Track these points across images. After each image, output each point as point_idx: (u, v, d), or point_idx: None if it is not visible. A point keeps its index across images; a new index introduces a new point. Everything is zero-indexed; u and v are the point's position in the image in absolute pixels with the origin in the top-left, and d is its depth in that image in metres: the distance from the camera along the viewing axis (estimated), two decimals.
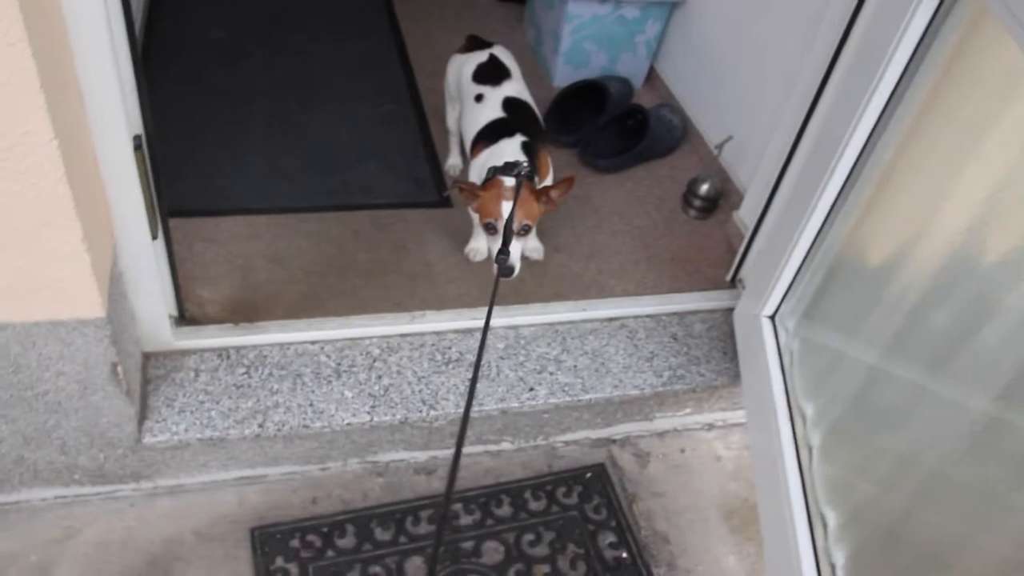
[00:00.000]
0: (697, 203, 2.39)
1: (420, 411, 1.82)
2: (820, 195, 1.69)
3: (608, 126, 2.57)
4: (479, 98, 2.10)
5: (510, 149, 1.95)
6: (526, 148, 1.96)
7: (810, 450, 1.60)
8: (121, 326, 1.61)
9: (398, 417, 1.81)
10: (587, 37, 2.72)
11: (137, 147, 1.48)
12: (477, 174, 1.99)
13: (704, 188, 2.38)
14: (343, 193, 2.29)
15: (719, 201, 2.42)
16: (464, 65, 2.19)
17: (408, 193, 2.31)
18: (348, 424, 1.78)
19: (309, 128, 2.51)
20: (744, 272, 2.17)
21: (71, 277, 1.40)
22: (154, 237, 1.63)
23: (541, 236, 2.23)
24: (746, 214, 2.27)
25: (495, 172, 1.89)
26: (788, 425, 1.68)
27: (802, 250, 1.79)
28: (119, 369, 1.57)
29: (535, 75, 2.89)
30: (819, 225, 1.74)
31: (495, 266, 1.81)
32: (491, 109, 2.06)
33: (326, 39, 2.94)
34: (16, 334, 1.46)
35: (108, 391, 1.60)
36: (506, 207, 1.81)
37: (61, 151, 1.24)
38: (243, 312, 1.93)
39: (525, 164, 1.90)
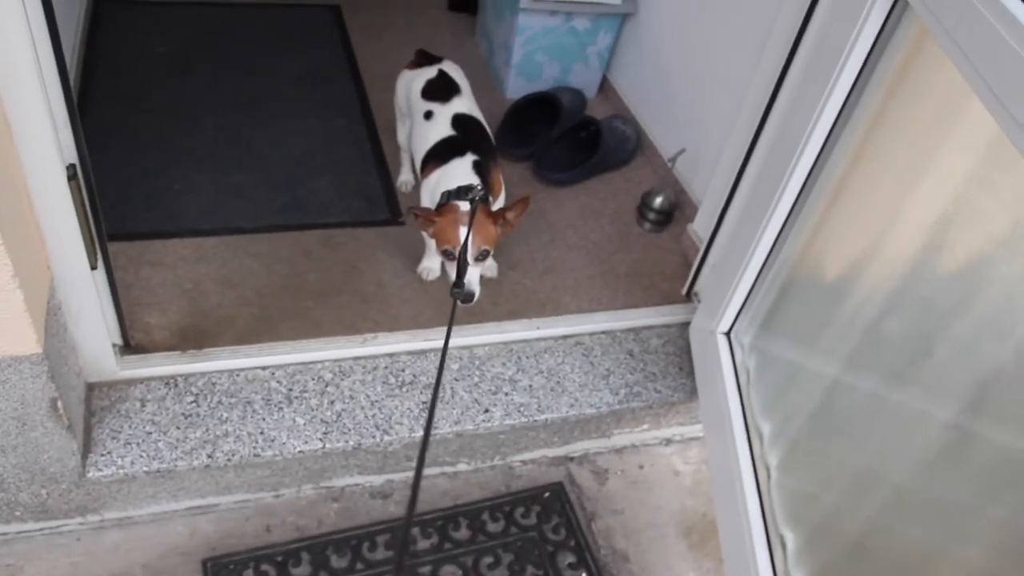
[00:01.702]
0: (652, 216, 2.39)
1: (374, 436, 1.79)
2: (773, 210, 1.68)
3: (561, 139, 2.55)
4: (428, 115, 2.07)
5: (461, 170, 1.92)
6: (477, 168, 1.93)
7: (768, 470, 1.60)
8: (61, 359, 1.56)
9: (351, 443, 1.78)
10: (538, 49, 2.71)
11: (71, 177, 1.43)
12: (429, 195, 1.96)
13: (658, 201, 2.37)
14: (294, 211, 2.25)
15: (674, 214, 2.41)
16: (413, 81, 2.16)
17: (360, 211, 2.28)
18: (300, 452, 1.75)
19: (258, 144, 2.46)
20: (699, 286, 2.17)
21: (2, 314, 1.35)
22: (93, 267, 1.58)
23: (495, 253, 2.20)
24: (700, 227, 2.27)
25: (449, 197, 1.86)
26: (745, 444, 1.68)
27: (756, 265, 1.79)
28: (59, 404, 1.52)
29: (488, 87, 2.88)
30: (773, 240, 1.74)
31: (453, 292, 1.78)
32: (441, 127, 2.03)
33: (274, 52, 2.89)
34: None
35: (48, 427, 1.55)
36: (463, 233, 1.78)
37: None
38: (192, 338, 1.89)
39: (479, 187, 1.87)
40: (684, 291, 2.21)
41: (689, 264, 2.28)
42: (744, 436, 1.71)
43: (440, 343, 1.96)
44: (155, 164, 2.33)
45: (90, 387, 1.77)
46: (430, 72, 2.16)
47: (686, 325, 2.14)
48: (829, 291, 1.60)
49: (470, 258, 1.77)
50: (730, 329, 1.91)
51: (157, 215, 2.17)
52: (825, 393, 1.54)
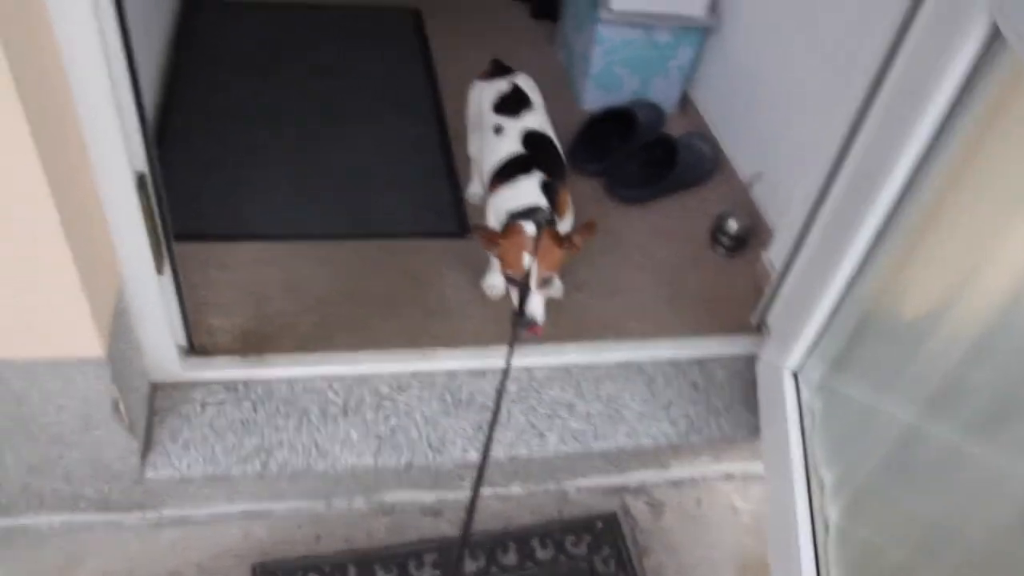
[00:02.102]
0: (725, 241, 2.32)
1: (426, 456, 1.78)
2: (851, 243, 1.61)
3: (636, 155, 2.50)
4: (498, 130, 2.03)
5: (529, 189, 1.88)
6: (545, 188, 1.89)
7: (827, 524, 1.53)
8: (125, 361, 1.59)
9: (403, 461, 1.77)
10: (618, 61, 2.66)
11: (140, 186, 1.45)
12: (495, 213, 1.93)
13: (733, 225, 2.30)
14: (362, 219, 2.26)
15: (749, 239, 2.34)
16: (484, 92, 2.13)
17: (427, 222, 2.27)
18: (352, 466, 1.75)
19: (332, 149, 2.48)
20: (770, 317, 2.09)
21: (69, 319, 1.38)
22: (159, 272, 1.60)
23: (561, 272, 2.17)
24: (775, 255, 2.19)
25: (514, 218, 1.82)
26: (804, 493, 1.61)
27: (830, 301, 1.72)
28: (120, 406, 1.55)
29: (565, 97, 2.84)
30: (849, 275, 1.66)
31: (514, 319, 1.74)
32: (510, 142, 2.00)
33: (355, 56, 2.91)
34: (17, 370, 1.45)
35: (110, 426, 1.58)
36: (527, 260, 1.74)
37: (55, 200, 1.22)
38: (254, 343, 1.90)
39: (546, 209, 1.83)
40: (754, 322, 2.14)
41: (761, 293, 2.21)
42: (804, 484, 1.64)
43: (500, 362, 1.94)
44: (232, 165, 2.36)
45: (154, 387, 1.80)
46: (503, 85, 2.13)
47: (754, 358, 2.07)
48: (909, 332, 1.52)
49: (533, 285, 1.74)
50: (798, 367, 1.84)
51: (229, 217, 2.20)
52: (899, 440, 1.46)
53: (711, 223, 2.38)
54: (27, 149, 1.14)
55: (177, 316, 1.75)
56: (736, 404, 2.00)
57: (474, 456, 1.81)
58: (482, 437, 1.82)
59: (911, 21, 1.55)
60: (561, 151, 2.08)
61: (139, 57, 1.36)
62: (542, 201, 1.85)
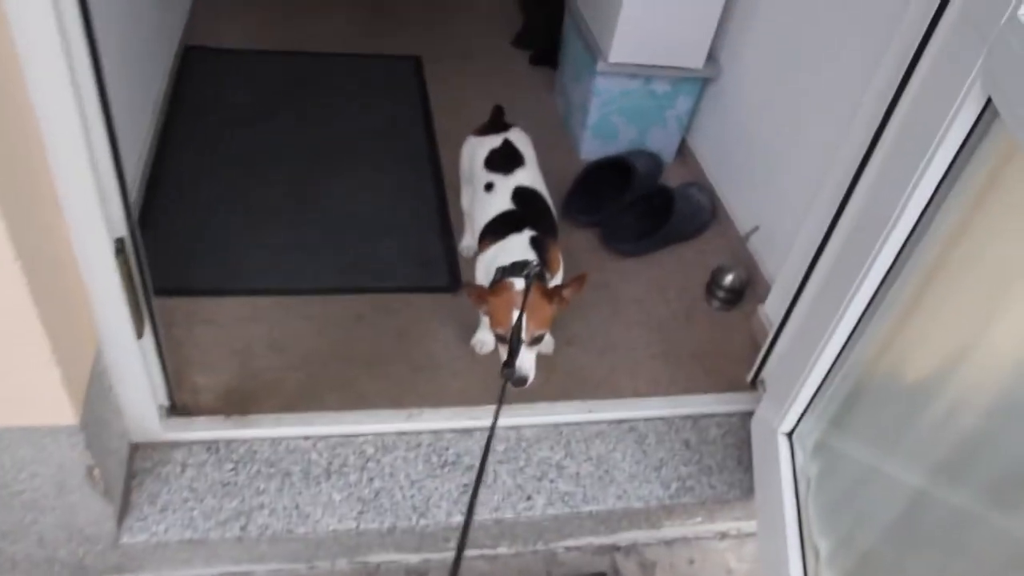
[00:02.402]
0: (721, 294, 2.28)
1: (410, 519, 1.74)
2: (849, 302, 1.55)
3: (633, 206, 2.48)
4: (489, 187, 2.01)
5: (518, 245, 1.86)
6: (535, 244, 1.87)
7: None
8: (102, 424, 1.57)
9: (386, 524, 1.73)
10: (615, 111, 2.64)
11: (119, 251, 1.43)
12: (484, 270, 1.91)
13: (729, 279, 2.27)
14: (353, 272, 2.24)
15: (745, 292, 2.30)
16: (477, 149, 2.12)
17: (418, 276, 2.25)
18: (334, 530, 1.71)
19: (326, 199, 2.47)
20: (766, 374, 2.06)
21: (40, 387, 1.36)
22: (139, 337, 1.58)
23: (552, 327, 2.14)
24: (772, 310, 2.16)
25: (503, 273, 1.80)
26: (799, 562, 1.56)
27: (827, 361, 1.66)
28: (95, 472, 1.52)
29: (562, 146, 2.83)
30: (847, 333, 1.61)
31: (503, 373, 1.71)
32: (501, 200, 1.98)
33: (352, 103, 2.91)
34: None
35: (84, 492, 1.55)
36: (515, 317, 1.71)
37: (24, 271, 1.20)
38: (238, 402, 1.88)
39: (535, 264, 1.81)
40: (749, 378, 2.10)
41: (758, 348, 2.17)
42: (798, 552, 1.59)
43: (488, 422, 1.91)
44: (223, 216, 2.35)
45: (134, 447, 1.78)
46: (495, 141, 2.11)
47: (749, 415, 2.03)
48: (912, 395, 1.46)
49: (523, 341, 1.71)
50: (793, 429, 1.79)
51: (217, 270, 2.18)
52: (905, 506, 1.40)
53: (707, 276, 2.35)
54: None
55: (159, 377, 1.73)
56: (730, 462, 1.95)
57: (459, 519, 1.76)
58: (467, 499, 1.78)
59: (909, 78, 1.54)
60: (552, 207, 2.05)
61: (131, 108, 1.35)
62: (531, 256, 1.83)
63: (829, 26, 2.08)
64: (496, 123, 2.22)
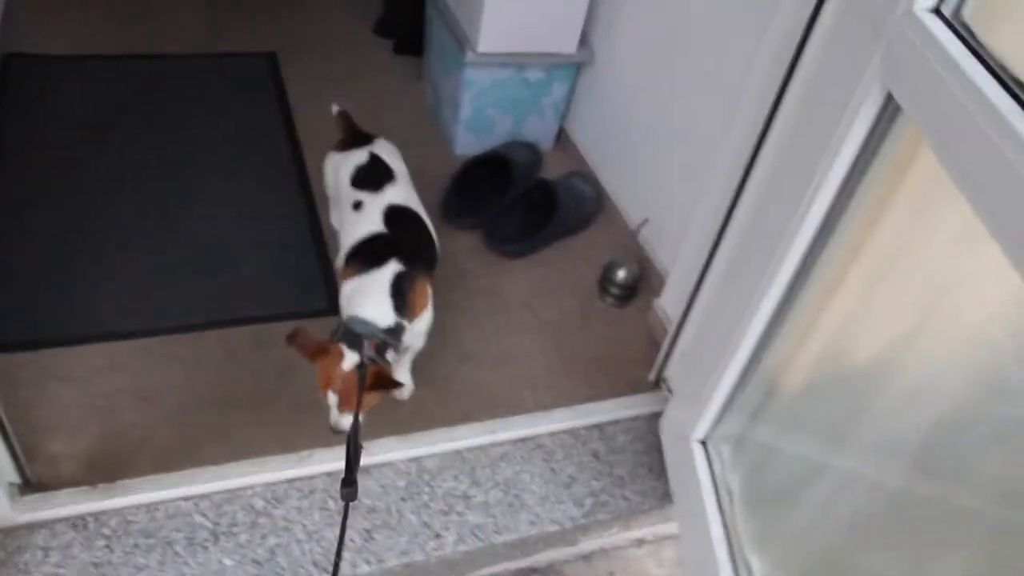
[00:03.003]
0: (614, 291, 2.21)
1: (310, 575, 1.60)
2: (760, 299, 1.48)
3: (514, 204, 2.36)
4: (358, 206, 1.86)
5: (377, 288, 1.68)
6: (398, 283, 1.69)
7: None
8: None
9: None
10: (489, 103, 2.51)
11: None
12: (344, 305, 1.72)
13: (621, 275, 2.19)
14: (221, 302, 2.04)
15: (638, 287, 2.23)
16: (341, 166, 1.95)
17: (294, 300, 2.07)
18: None
19: (182, 221, 2.24)
20: (668, 372, 2.00)
21: None
22: None
23: (442, 338, 2.02)
24: (668, 304, 2.10)
25: (343, 331, 1.61)
26: None
27: (740, 361, 1.59)
28: None
29: (434, 142, 2.68)
30: (761, 330, 1.55)
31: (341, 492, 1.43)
32: (370, 220, 1.82)
33: (203, 109, 2.67)
34: None
35: None
36: (332, 400, 1.58)
37: None
38: (103, 467, 1.68)
39: (370, 352, 1.58)
40: (652, 378, 2.04)
41: (656, 344, 2.11)
42: (731, 570, 1.53)
43: (385, 455, 1.79)
44: (67, 251, 2.10)
45: None
46: (360, 156, 1.95)
47: (655, 416, 1.97)
48: (854, 381, 1.38)
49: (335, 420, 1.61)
50: (707, 436, 1.73)
51: (68, 315, 1.95)
52: (861, 500, 1.32)
53: (598, 272, 2.27)
54: None
55: (3, 453, 1.53)
56: (641, 471, 1.89)
57: (365, 569, 1.64)
58: (373, 546, 1.66)
59: (797, 62, 1.47)
60: (430, 227, 1.90)
61: None
62: (383, 317, 1.64)
63: (703, 7, 2.01)
64: (355, 135, 2.06)
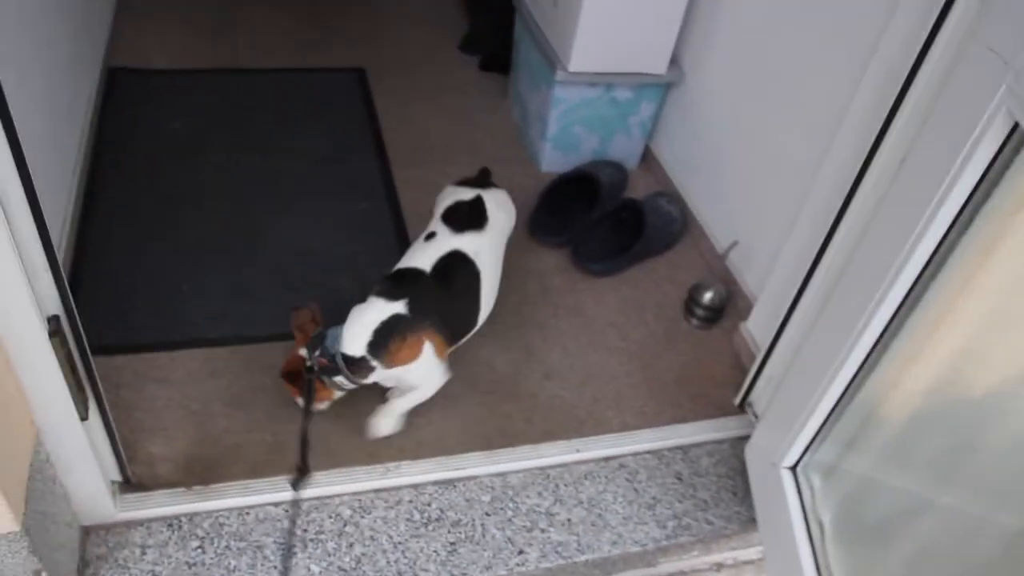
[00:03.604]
0: (700, 312, 2.19)
1: None
2: (864, 328, 1.44)
3: (601, 222, 2.36)
4: (430, 236, 1.84)
5: (370, 317, 1.66)
6: (388, 325, 1.65)
7: None
8: (47, 519, 1.41)
9: None
10: (576, 121, 2.52)
11: (54, 332, 1.27)
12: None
13: (708, 296, 2.17)
14: None
15: (725, 309, 2.21)
16: (448, 197, 1.94)
17: None
18: None
19: (273, 234, 2.29)
20: (754, 396, 1.97)
21: None
22: (83, 419, 1.42)
23: (527, 355, 2.03)
24: (755, 328, 2.07)
25: (319, 342, 1.67)
26: None
27: (837, 390, 1.55)
28: (43, 575, 1.37)
29: (521, 159, 2.70)
30: (862, 359, 1.50)
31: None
32: (426, 255, 1.79)
33: (295, 123, 2.73)
34: None
35: None
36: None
37: None
38: (199, 471, 1.72)
39: (319, 362, 1.66)
40: (737, 401, 2.01)
41: (742, 367, 2.09)
42: None
43: (470, 471, 1.80)
44: (164, 259, 2.17)
45: (86, 531, 1.62)
46: (468, 194, 1.92)
47: (739, 440, 1.95)
48: (963, 414, 1.34)
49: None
50: (797, 463, 1.70)
51: (164, 321, 2.01)
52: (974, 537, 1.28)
53: (684, 293, 2.25)
54: None
55: (108, 453, 1.58)
56: (725, 494, 1.86)
57: None
58: (457, 560, 1.66)
59: (908, 88, 1.44)
60: (486, 294, 1.84)
61: (55, 146, 1.18)
62: (353, 346, 1.64)
63: (801, 33, 1.98)
64: (482, 177, 2.06)
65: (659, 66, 2.43)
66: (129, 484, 1.68)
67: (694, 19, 2.38)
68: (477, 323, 1.84)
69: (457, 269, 1.79)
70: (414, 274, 1.76)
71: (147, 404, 1.83)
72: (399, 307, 1.67)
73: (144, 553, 1.61)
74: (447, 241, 1.81)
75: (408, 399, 1.79)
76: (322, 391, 1.72)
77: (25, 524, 1.28)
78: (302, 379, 1.69)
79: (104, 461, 1.56)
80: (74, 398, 1.37)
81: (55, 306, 1.29)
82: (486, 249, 1.85)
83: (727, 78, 2.30)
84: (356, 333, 1.64)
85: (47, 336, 1.27)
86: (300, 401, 1.69)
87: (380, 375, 1.68)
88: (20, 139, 1.11)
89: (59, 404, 1.37)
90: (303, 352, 1.68)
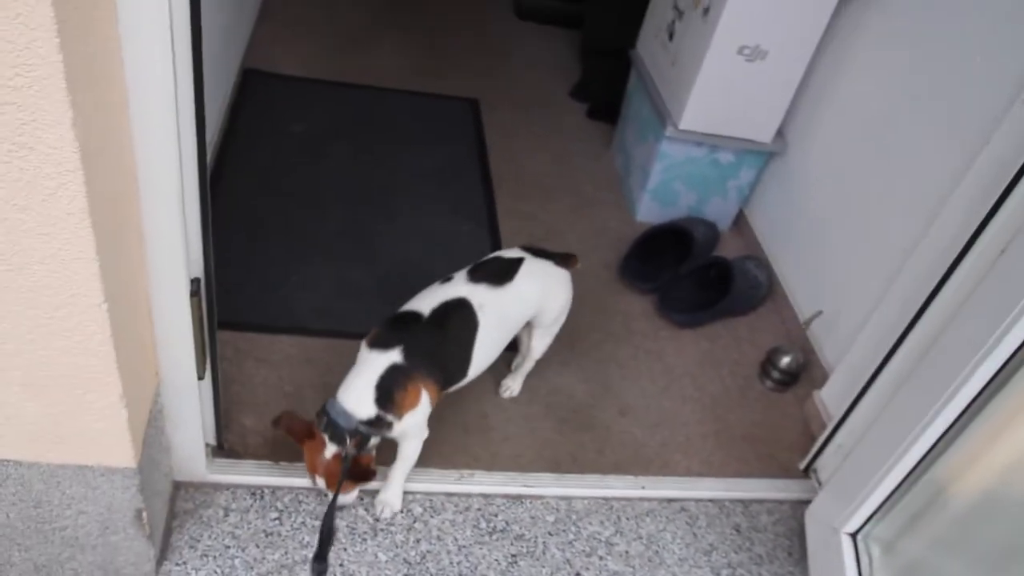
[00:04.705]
0: (776, 375, 2.24)
1: None
2: (941, 408, 1.49)
3: (690, 276, 2.44)
4: (446, 279, 1.80)
5: (369, 375, 1.61)
6: (390, 376, 1.60)
7: None
8: (153, 465, 1.52)
9: None
10: (677, 177, 2.61)
11: (194, 292, 1.39)
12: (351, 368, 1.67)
13: (786, 361, 2.22)
14: None
15: (800, 375, 2.26)
16: (504, 252, 1.91)
17: None
18: None
19: (380, 241, 2.43)
20: (820, 464, 2.00)
21: (104, 429, 1.31)
22: (201, 378, 1.53)
23: (605, 389, 2.10)
24: (829, 398, 2.11)
25: (327, 421, 1.59)
26: None
27: (907, 465, 1.60)
28: (144, 515, 1.47)
29: (618, 205, 2.80)
30: (935, 439, 1.55)
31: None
32: (429, 299, 1.73)
33: (409, 141, 2.88)
34: (40, 473, 1.38)
35: (129, 533, 1.50)
36: (320, 483, 1.62)
37: (109, 314, 1.16)
38: (285, 447, 1.82)
39: (350, 446, 1.57)
40: (802, 466, 2.04)
41: (810, 433, 2.13)
42: None
43: (539, 489, 1.86)
44: (276, 251, 2.31)
45: (176, 486, 1.73)
46: (514, 252, 1.88)
47: (800, 503, 1.98)
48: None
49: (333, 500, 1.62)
50: (859, 530, 1.73)
51: (270, 307, 2.14)
52: None
53: (762, 354, 2.30)
54: (90, 258, 1.09)
55: (211, 417, 1.69)
56: (780, 553, 1.90)
57: None
58: (516, 571, 1.73)
59: (1014, 186, 1.50)
60: (478, 348, 1.74)
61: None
62: (363, 409, 1.58)
63: (915, 119, 2.04)
64: (550, 253, 1.93)
65: (765, 135, 2.51)
66: (221, 449, 1.79)
67: (805, 94, 2.47)
68: (467, 375, 1.76)
69: (455, 315, 1.72)
70: (410, 318, 1.71)
71: (245, 379, 1.95)
72: (395, 356, 1.62)
73: (226, 515, 1.71)
74: (457, 287, 1.76)
75: (404, 463, 1.76)
76: (349, 485, 1.65)
77: (140, 464, 1.39)
78: (318, 452, 1.61)
79: (206, 423, 1.67)
80: (197, 358, 1.49)
81: (198, 270, 1.41)
82: (495, 306, 1.76)
83: (831, 153, 2.37)
84: (360, 396, 1.60)
85: (188, 296, 1.39)
86: (319, 482, 1.63)
87: (396, 428, 1.63)
88: None
89: (183, 361, 1.49)
90: (329, 451, 1.59)
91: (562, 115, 3.25)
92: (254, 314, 2.11)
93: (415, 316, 1.70)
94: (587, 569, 1.77)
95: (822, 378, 2.19)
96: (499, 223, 2.57)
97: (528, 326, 1.92)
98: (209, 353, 1.55)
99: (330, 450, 1.59)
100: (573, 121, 3.23)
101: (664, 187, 2.63)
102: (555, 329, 1.97)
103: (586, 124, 3.22)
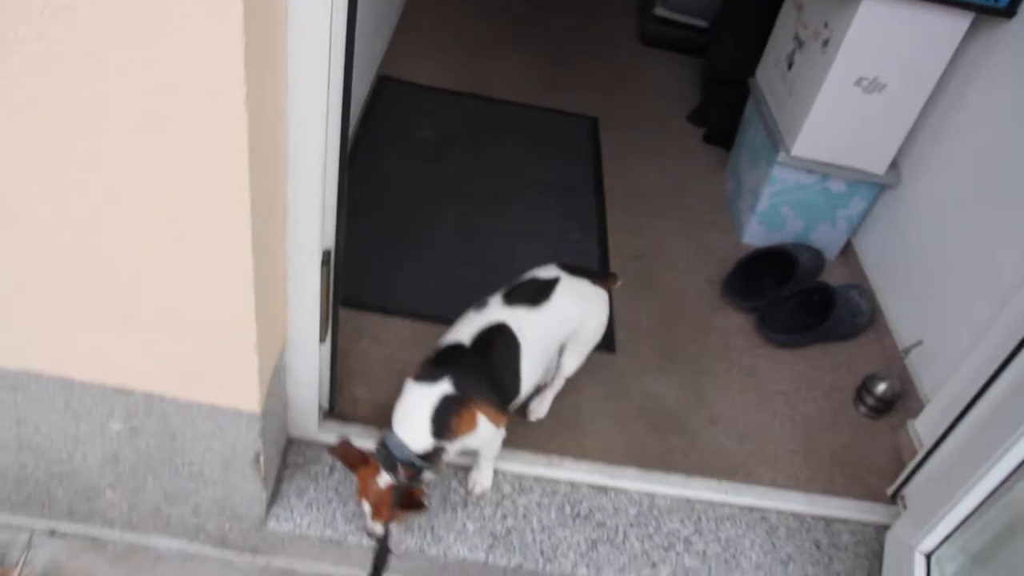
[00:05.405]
0: (871, 401, 2.25)
1: (536, 563, 1.78)
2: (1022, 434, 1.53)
3: (791, 297, 2.48)
4: (482, 304, 1.80)
5: (421, 408, 1.62)
6: (444, 406, 1.61)
7: None
8: (274, 415, 1.68)
9: (513, 563, 1.78)
10: (786, 202, 2.66)
11: (324, 262, 1.55)
12: (397, 406, 1.68)
13: (882, 388, 2.24)
14: None
15: (895, 404, 2.26)
16: (536, 272, 1.91)
17: None
18: (462, 559, 1.77)
19: (492, 243, 2.57)
20: (908, 491, 2.01)
21: (238, 373, 1.48)
22: (322, 341, 1.69)
23: (698, 398, 2.17)
24: (923, 428, 2.11)
25: (383, 453, 1.60)
26: None
27: (984, 490, 1.63)
28: (261, 459, 1.63)
29: (726, 226, 2.86)
30: (1012, 468, 1.58)
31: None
32: (468, 327, 1.74)
33: (527, 153, 3.03)
34: (179, 408, 1.55)
35: (247, 474, 1.66)
36: (366, 508, 1.62)
37: (255, 271, 1.32)
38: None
39: (406, 474, 1.59)
40: (890, 492, 2.05)
41: (901, 463, 2.13)
42: None
43: (625, 483, 1.94)
44: (395, 242, 2.48)
45: (289, 441, 1.89)
46: (552, 272, 1.89)
47: (883, 528, 1.99)
48: None
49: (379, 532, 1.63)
50: (934, 550, 1.75)
51: (386, 291, 2.30)
52: None
53: (858, 380, 2.32)
54: (244, 226, 1.26)
55: (326, 381, 1.84)
56: (859, 573, 1.92)
57: (583, 571, 1.79)
58: (594, 555, 1.81)
59: None
60: (525, 369, 1.74)
61: None
62: (419, 441, 1.61)
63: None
64: (587, 271, 1.96)
65: (879, 166, 2.53)
66: (332, 413, 1.94)
67: (923, 127, 2.48)
68: (520, 392, 1.76)
69: (497, 340, 1.73)
70: (454, 350, 1.72)
71: (359, 354, 2.11)
72: (445, 386, 1.63)
73: (332, 473, 1.86)
74: (494, 312, 1.77)
75: (488, 452, 1.83)
76: (399, 513, 1.65)
77: (264, 410, 1.55)
78: (371, 480, 1.62)
79: (322, 386, 1.83)
80: (321, 322, 1.65)
81: (330, 244, 1.57)
82: (534, 327, 1.77)
83: (945, 187, 2.38)
84: (418, 425, 1.62)
85: (319, 265, 1.55)
86: (366, 508, 1.63)
87: (450, 453, 1.68)
88: None
89: (308, 324, 1.65)
90: (383, 480, 1.60)
91: (679, 138, 3.33)
92: (373, 296, 2.28)
93: (458, 347, 1.72)
94: (664, 562, 1.83)
95: (917, 408, 2.19)
96: (608, 234, 2.67)
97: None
98: (331, 320, 1.71)
99: (384, 479, 1.61)
100: (689, 144, 3.30)
101: (772, 211, 2.68)
102: (587, 349, 1.96)
103: (701, 148, 3.29)
